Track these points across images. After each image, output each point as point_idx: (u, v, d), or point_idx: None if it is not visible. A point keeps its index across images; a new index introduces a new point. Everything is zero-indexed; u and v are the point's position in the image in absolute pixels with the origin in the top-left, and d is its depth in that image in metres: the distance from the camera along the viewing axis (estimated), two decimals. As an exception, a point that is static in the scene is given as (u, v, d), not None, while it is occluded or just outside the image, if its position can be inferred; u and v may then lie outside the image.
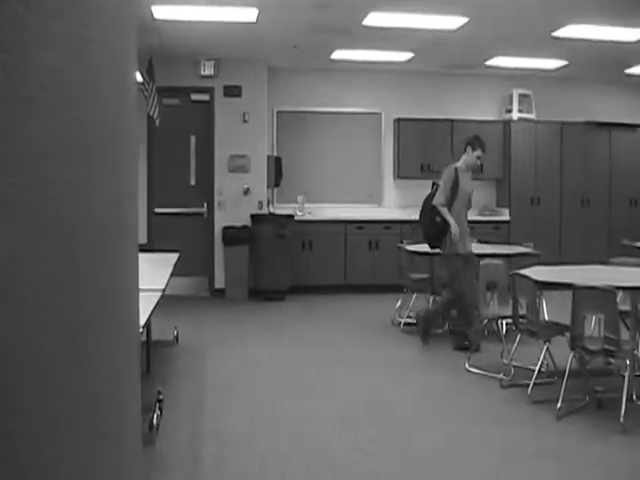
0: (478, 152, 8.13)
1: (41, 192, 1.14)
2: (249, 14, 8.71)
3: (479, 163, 8.25)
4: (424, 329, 8.38)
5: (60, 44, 1.23)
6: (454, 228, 7.95)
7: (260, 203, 11.82)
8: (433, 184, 8.45)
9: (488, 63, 11.88)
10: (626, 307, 6.51)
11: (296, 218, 11.84)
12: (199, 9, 8.53)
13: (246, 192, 11.77)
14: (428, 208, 8.19)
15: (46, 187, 1.16)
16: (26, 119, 1.09)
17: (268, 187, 12.01)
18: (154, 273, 6.26)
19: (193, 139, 11.83)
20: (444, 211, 8.03)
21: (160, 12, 8.61)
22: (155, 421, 5.33)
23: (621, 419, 5.49)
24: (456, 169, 8.18)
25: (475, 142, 8.20)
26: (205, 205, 11.79)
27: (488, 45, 10.69)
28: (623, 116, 13.40)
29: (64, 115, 1.26)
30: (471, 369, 7.25)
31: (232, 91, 11.75)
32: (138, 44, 2.15)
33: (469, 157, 8.20)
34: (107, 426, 1.65)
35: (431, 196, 8.24)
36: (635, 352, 6.14)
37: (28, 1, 1.09)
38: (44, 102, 1.15)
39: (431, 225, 8.16)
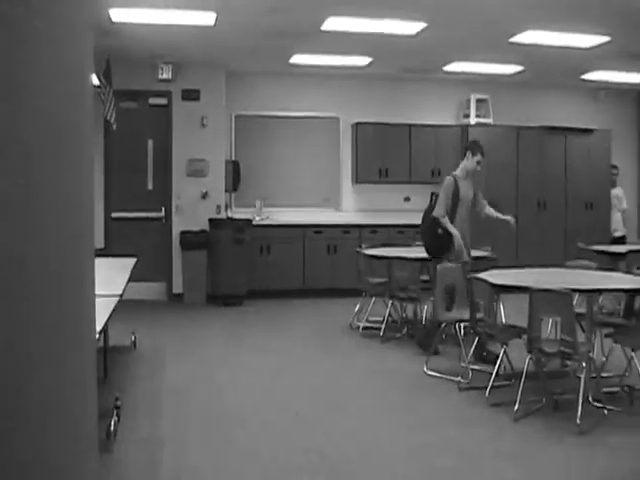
0: (478, 157, 8.05)
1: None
2: (207, 18, 8.69)
3: (479, 168, 8.18)
4: (427, 338, 8.20)
5: (9, 45, 1.21)
6: (457, 240, 7.87)
7: (218, 207, 11.78)
8: (432, 195, 8.35)
9: (446, 68, 11.96)
10: (582, 310, 6.58)
11: (254, 222, 11.82)
12: (157, 12, 8.48)
13: (204, 196, 11.72)
14: (429, 220, 8.08)
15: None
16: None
17: (226, 191, 11.98)
18: (111, 278, 6.20)
19: (150, 143, 11.75)
20: (445, 222, 7.91)
21: (118, 15, 8.55)
22: (113, 427, 5.28)
23: (577, 420, 5.55)
24: (454, 178, 8.07)
25: (474, 147, 8.11)
26: (163, 209, 11.72)
27: (446, 50, 10.76)
28: (578, 121, 13.56)
29: (14, 118, 1.24)
30: (429, 372, 7.27)
31: (190, 95, 11.70)
32: (95, 47, 2.13)
33: (469, 162, 8.09)
34: (62, 432, 1.62)
35: (431, 208, 8.13)
36: (591, 354, 6.21)
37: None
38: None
39: (433, 238, 8.04)
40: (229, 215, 11.98)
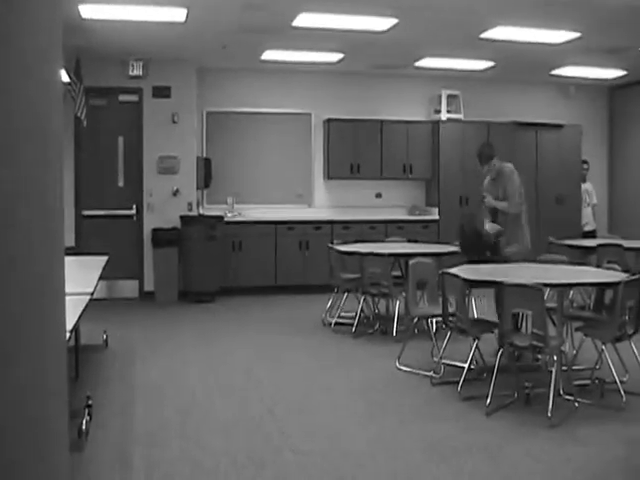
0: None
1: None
2: (178, 14, 8.65)
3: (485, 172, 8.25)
4: None
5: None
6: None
7: (190, 204, 11.75)
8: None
9: (417, 64, 12.00)
10: (553, 304, 6.63)
11: (226, 219, 11.80)
12: (127, 8, 8.43)
13: (175, 193, 11.68)
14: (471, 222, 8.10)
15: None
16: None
17: (198, 188, 11.94)
18: (82, 276, 6.17)
19: (121, 140, 11.68)
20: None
21: (88, 11, 8.49)
22: (84, 427, 5.25)
23: (549, 414, 5.60)
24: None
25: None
26: (134, 207, 11.67)
27: (417, 46, 10.79)
28: (549, 116, 13.66)
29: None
30: (401, 367, 7.30)
31: (161, 92, 11.65)
32: (65, 44, 2.11)
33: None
34: (32, 433, 1.62)
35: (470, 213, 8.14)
36: (562, 348, 6.27)
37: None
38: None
39: (475, 235, 8.07)
40: (201, 212, 11.95)
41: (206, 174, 12.05)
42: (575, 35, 9.67)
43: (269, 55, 11.28)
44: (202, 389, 6.73)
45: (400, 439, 5.40)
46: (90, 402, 5.74)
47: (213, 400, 6.38)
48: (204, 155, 12.25)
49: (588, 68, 12.32)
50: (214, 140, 12.44)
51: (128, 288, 11.66)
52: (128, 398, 6.39)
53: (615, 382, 6.19)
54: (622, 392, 6.10)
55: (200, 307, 10.96)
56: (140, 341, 8.71)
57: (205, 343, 8.65)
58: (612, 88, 14.28)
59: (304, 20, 8.98)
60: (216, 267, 11.47)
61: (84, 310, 4.61)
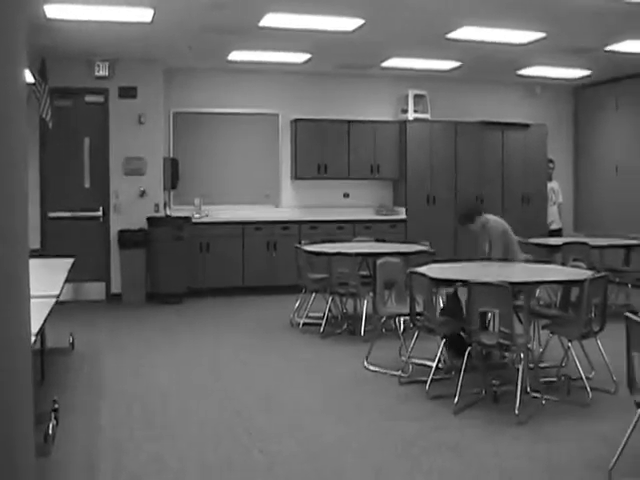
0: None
1: None
2: (144, 14, 8.60)
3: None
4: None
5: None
6: None
7: (157, 206, 11.69)
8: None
9: (384, 64, 12.03)
10: (519, 302, 6.68)
11: (193, 220, 11.77)
12: (93, 8, 8.36)
13: (142, 195, 11.62)
14: None
15: None
16: None
17: (165, 189, 11.90)
18: (48, 279, 6.13)
19: (87, 141, 11.60)
20: None
21: (53, 11, 8.43)
22: (50, 431, 5.21)
23: (516, 411, 5.65)
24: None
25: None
26: (100, 208, 11.59)
27: (384, 46, 10.83)
28: (515, 116, 13.77)
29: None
30: (370, 367, 7.33)
31: (127, 92, 11.58)
32: (30, 44, 2.10)
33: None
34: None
35: None
36: (529, 345, 6.32)
37: None
38: None
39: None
40: (168, 213, 11.90)
41: (173, 175, 12.01)
42: (540, 35, 9.75)
43: (236, 55, 11.26)
44: (170, 391, 6.70)
45: (369, 438, 5.42)
46: (56, 406, 5.70)
47: (181, 402, 6.36)
48: (171, 156, 12.20)
49: (553, 68, 12.43)
50: (181, 141, 12.39)
51: (95, 290, 11.59)
52: (95, 401, 6.36)
53: (581, 379, 6.27)
54: (588, 389, 6.18)
55: (168, 309, 10.92)
56: (107, 343, 8.66)
57: (173, 345, 8.62)
58: (577, 88, 14.41)
59: (271, 20, 8.97)
60: (184, 268, 11.43)
61: (50, 313, 4.59)
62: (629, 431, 4.47)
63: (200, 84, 12.49)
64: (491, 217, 8.01)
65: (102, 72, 11.37)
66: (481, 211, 8.04)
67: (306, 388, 6.80)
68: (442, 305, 7.43)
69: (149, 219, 11.48)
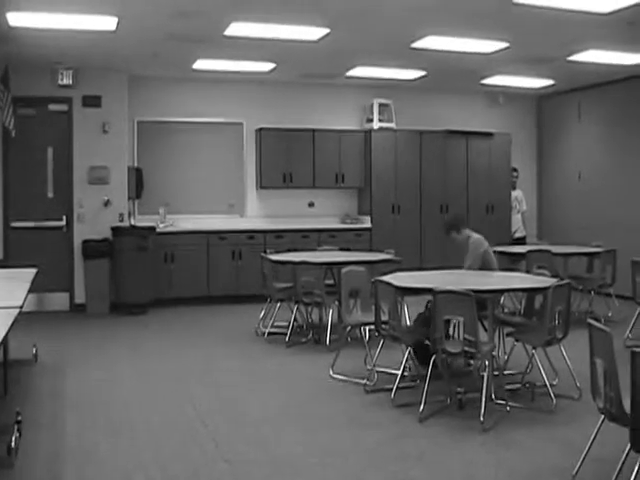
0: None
1: None
2: (108, 22, 8.57)
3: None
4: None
5: None
6: None
7: (121, 215, 11.63)
8: None
9: (349, 73, 12.08)
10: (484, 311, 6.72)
11: (158, 230, 11.72)
12: (57, 16, 8.31)
13: (106, 204, 11.56)
14: None
15: None
16: None
17: (129, 199, 11.84)
18: (11, 289, 6.09)
19: (51, 150, 11.52)
20: None
21: (16, 19, 8.37)
22: (14, 444, 5.15)
23: (481, 418, 5.69)
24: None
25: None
26: (64, 218, 11.50)
27: (349, 56, 10.87)
28: (479, 125, 13.89)
29: None
30: (335, 376, 7.34)
31: (91, 101, 11.52)
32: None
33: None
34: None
35: None
36: (493, 353, 6.37)
37: None
38: None
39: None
40: (132, 223, 11.83)
41: (137, 184, 11.96)
42: (504, 45, 9.85)
43: (201, 64, 11.25)
44: (135, 402, 6.67)
45: (334, 447, 5.42)
46: (20, 418, 5.64)
47: (146, 413, 6.33)
48: (135, 165, 12.15)
49: (517, 77, 12.55)
50: (145, 150, 12.35)
51: (58, 301, 11.49)
52: (59, 413, 6.30)
53: (545, 386, 6.33)
54: (552, 395, 6.24)
55: (132, 319, 10.86)
56: (71, 355, 8.59)
57: (137, 356, 8.57)
58: (540, 97, 14.57)
59: (236, 29, 8.98)
60: (148, 278, 11.38)
61: (13, 324, 4.55)
62: (592, 437, 4.52)
63: (165, 93, 12.46)
64: (474, 235, 8.02)
65: (66, 80, 11.30)
66: (465, 224, 8.07)
67: (272, 397, 6.79)
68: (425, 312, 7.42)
69: (113, 229, 11.41)
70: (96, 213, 11.52)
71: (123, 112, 11.73)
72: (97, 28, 8.81)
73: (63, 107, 11.51)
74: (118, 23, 8.61)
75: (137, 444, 5.50)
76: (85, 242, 11.34)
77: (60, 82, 11.30)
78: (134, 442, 5.55)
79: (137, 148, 12.30)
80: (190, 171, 12.62)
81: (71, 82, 11.33)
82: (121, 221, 11.61)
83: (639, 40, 9.54)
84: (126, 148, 11.82)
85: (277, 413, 6.32)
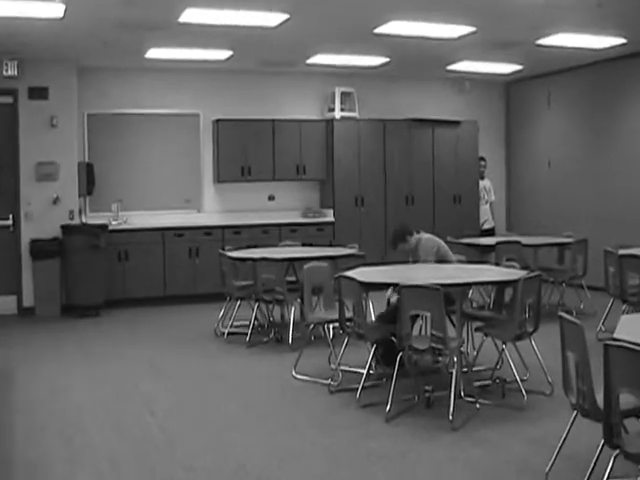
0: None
1: None
2: (55, 9, 8.45)
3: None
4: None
5: None
6: None
7: (71, 213, 11.52)
8: None
9: (310, 61, 12.05)
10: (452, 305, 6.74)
11: (110, 227, 11.63)
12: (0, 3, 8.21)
13: (55, 201, 11.43)
14: None
15: None
16: None
17: (79, 196, 11.72)
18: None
19: (-6, 146, 11.41)
20: None
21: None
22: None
23: (450, 417, 5.71)
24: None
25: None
26: (10, 217, 11.37)
27: (309, 42, 10.84)
28: (445, 112, 13.92)
29: None
30: (298, 376, 7.33)
31: (38, 93, 11.38)
32: None
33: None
34: None
35: None
36: (462, 349, 6.40)
37: None
38: None
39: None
40: (83, 221, 11.73)
41: (88, 180, 11.84)
42: (470, 29, 9.86)
43: (154, 53, 11.15)
44: (88, 409, 6.61)
45: (298, 450, 5.42)
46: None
47: (100, 420, 6.28)
48: (86, 160, 12.02)
49: (484, 63, 12.58)
50: (96, 144, 12.23)
51: (5, 304, 11.34)
52: (7, 422, 6.23)
53: (516, 381, 6.37)
54: (523, 391, 6.28)
55: (85, 322, 10.76)
56: (20, 360, 8.49)
57: (91, 360, 8.50)
58: (508, 83, 14.65)
59: (191, 16, 8.90)
60: (101, 279, 11.28)
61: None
62: (565, 433, 4.54)
63: (116, 84, 12.35)
64: (424, 235, 8.00)
65: (10, 72, 11.15)
66: (412, 231, 8.00)
67: (232, 400, 6.77)
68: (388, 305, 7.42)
69: (63, 227, 11.30)
70: (45, 211, 11.39)
71: (72, 104, 11.60)
72: (43, 15, 8.69)
73: (8, 99, 11.37)
74: (66, 10, 8.50)
75: (91, 452, 5.46)
76: (33, 242, 11.21)
77: (4, 73, 11.13)
78: (87, 450, 5.50)
79: (87, 142, 12.17)
80: (144, 165, 12.53)
81: (16, 73, 11.18)
82: (71, 219, 11.49)
83: (608, 23, 9.62)
84: (76, 142, 11.69)
85: (238, 416, 6.30)
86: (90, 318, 10.96)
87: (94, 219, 11.87)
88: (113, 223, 11.88)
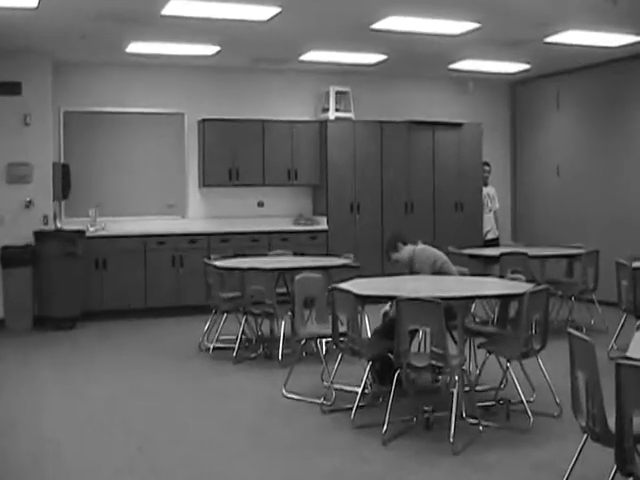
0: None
1: None
2: (29, -1, 8.49)
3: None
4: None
5: None
6: None
7: (45, 218, 11.50)
8: None
9: (302, 58, 12.07)
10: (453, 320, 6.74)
11: (88, 234, 11.61)
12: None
13: (28, 205, 11.41)
14: None
15: None
16: None
17: (54, 199, 11.71)
18: None
19: (-38, 146, 11.39)
20: None
21: None
22: None
23: (451, 439, 5.69)
24: None
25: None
26: (-20, 222, 11.38)
27: (303, 38, 10.86)
28: (446, 114, 13.95)
29: None
30: (289, 395, 7.31)
31: (10, 89, 11.38)
32: None
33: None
34: None
35: None
36: (464, 367, 6.39)
37: None
38: None
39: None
40: (58, 226, 11.71)
41: (64, 183, 11.83)
42: (474, 26, 9.89)
43: (136, 47, 11.16)
44: (62, 428, 6.59)
45: (289, 474, 5.41)
46: None
47: (75, 440, 6.26)
48: (62, 161, 12.03)
49: (489, 62, 12.63)
50: (73, 144, 12.23)
51: (-26, 316, 11.35)
52: (-26, 440, 6.23)
53: (522, 402, 6.36)
54: (529, 413, 6.27)
55: (59, 335, 10.74)
56: (-11, 376, 8.49)
57: (65, 377, 8.48)
58: (514, 83, 14.70)
59: (175, 8, 8.91)
60: (77, 289, 11.26)
61: None
62: (574, 458, 4.53)
63: (95, 80, 12.36)
64: (419, 247, 7.98)
65: (-20, 65, 11.19)
66: (406, 240, 7.99)
67: (218, 420, 6.75)
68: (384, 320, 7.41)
69: (36, 233, 11.28)
70: (16, 216, 11.36)
71: (47, 101, 11.59)
72: (16, 4, 8.70)
73: (-23, 95, 11.38)
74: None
75: (66, 476, 5.43)
76: (4, 248, 11.19)
77: (-26, 67, 11.18)
78: (62, 473, 5.48)
79: (63, 142, 12.18)
80: (124, 168, 12.52)
81: (-14, 67, 11.22)
82: (45, 224, 11.48)
83: (623, 19, 9.64)
84: (51, 142, 11.69)
85: (224, 438, 6.28)
86: (65, 331, 10.93)
87: (70, 225, 11.85)
88: (90, 229, 11.86)
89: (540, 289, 6.46)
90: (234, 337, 9.13)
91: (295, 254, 10.61)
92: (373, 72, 13.24)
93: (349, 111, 13.28)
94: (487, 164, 13.85)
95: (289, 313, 8.39)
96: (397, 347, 6.07)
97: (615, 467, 3.87)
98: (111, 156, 12.47)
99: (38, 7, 8.79)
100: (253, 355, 9.08)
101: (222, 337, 9.47)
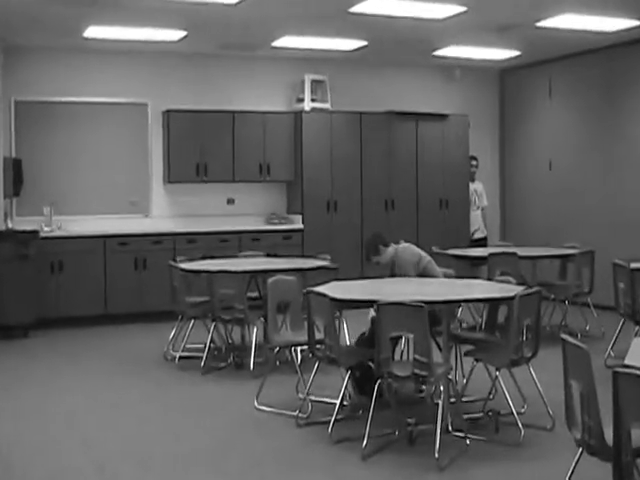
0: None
1: None
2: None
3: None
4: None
5: None
6: None
7: (-5, 217, 11.49)
8: None
9: (275, 44, 12.07)
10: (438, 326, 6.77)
11: (42, 234, 11.56)
12: None
13: (-24, 204, 11.41)
14: None
15: None
16: None
17: (5, 197, 11.66)
18: None
19: None
20: None
21: None
22: None
23: (436, 454, 5.71)
24: None
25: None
26: None
27: (275, 22, 10.85)
28: (431, 105, 13.98)
29: None
30: (261, 407, 7.31)
31: (-44, 77, 11.37)
32: None
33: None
34: None
35: None
36: (449, 376, 6.41)
37: None
38: None
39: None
40: (9, 226, 11.67)
41: (16, 179, 11.79)
42: (461, 9, 9.91)
43: (94, 32, 11.12)
44: (15, 447, 6.54)
45: (260, 493, 5.42)
46: None
47: (28, 460, 6.22)
48: (13, 155, 11.98)
49: (476, 48, 12.68)
50: (26, 137, 12.19)
51: None
52: None
53: (512, 414, 6.37)
54: (520, 425, 6.29)
55: (10, 344, 10.70)
56: None
57: (18, 389, 8.43)
58: (503, 71, 14.76)
59: (136, -12, 8.93)
60: (31, 294, 11.21)
61: None
62: (569, 474, 4.55)
63: (49, 67, 12.32)
64: (401, 246, 8.01)
65: None
66: (386, 241, 8.01)
67: (185, 435, 6.74)
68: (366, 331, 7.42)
69: (-15, 234, 11.26)
70: (-35, 215, 11.34)
71: (-3, 90, 11.59)
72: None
73: None
74: (-10, -20, 8.50)
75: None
76: (-49, 250, 11.16)
77: None
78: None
79: (15, 135, 12.13)
80: (82, 163, 12.49)
81: None
82: (-5, 224, 11.46)
83: (620, 2, 9.69)
84: (1, 135, 11.65)
85: (191, 454, 6.27)
86: (17, 340, 10.90)
87: (22, 224, 11.79)
88: (45, 229, 11.82)
89: (531, 292, 6.49)
90: (202, 345, 9.13)
91: (268, 255, 10.62)
92: (351, 59, 13.26)
93: (326, 101, 13.28)
94: (474, 158, 13.90)
95: (261, 319, 8.39)
96: (378, 355, 6.07)
97: (612, 482, 3.90)
98: (67, 150, 12.43)
99: (-13, -12, 8.78)
100: (223, 365, 9.08)
101: (189, 345, 9.46)
